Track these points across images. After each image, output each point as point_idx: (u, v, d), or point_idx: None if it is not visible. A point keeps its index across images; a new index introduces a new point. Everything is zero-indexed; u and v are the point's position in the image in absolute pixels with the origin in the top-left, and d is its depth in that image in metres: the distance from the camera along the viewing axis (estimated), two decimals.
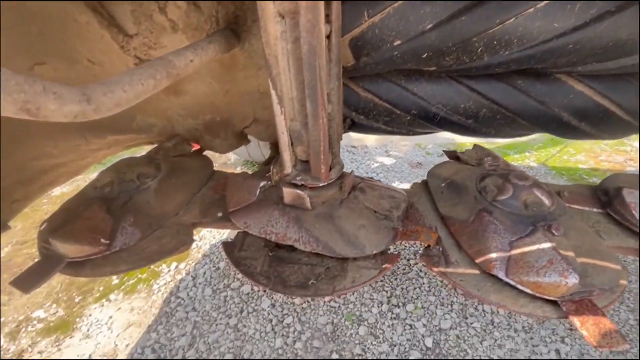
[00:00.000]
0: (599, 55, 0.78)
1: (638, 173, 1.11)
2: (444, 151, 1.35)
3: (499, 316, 1.53)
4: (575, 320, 0.75)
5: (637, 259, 0.95)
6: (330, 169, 0.97)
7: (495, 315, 1.54)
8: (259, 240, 1.05)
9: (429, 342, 1.43)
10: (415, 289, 1.67)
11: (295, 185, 0.94)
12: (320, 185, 0.93)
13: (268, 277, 0.93)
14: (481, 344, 1.42)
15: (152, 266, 1.89)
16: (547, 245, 0.81)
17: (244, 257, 1.00)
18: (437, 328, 1.49)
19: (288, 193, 0.94)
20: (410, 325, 1.50)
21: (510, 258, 0.83)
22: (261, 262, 0.97)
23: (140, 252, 0.99)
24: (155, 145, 1.35)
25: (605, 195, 1.07)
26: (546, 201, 0.92)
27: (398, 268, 1.80)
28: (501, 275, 0.83)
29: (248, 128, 1.33)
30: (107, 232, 0.93)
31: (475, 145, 1.28)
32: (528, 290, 0.81)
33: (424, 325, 1.50)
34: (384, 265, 0.94)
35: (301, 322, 1.53)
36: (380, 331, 1.48)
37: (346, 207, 0.97)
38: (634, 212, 0.95)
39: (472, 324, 1.50)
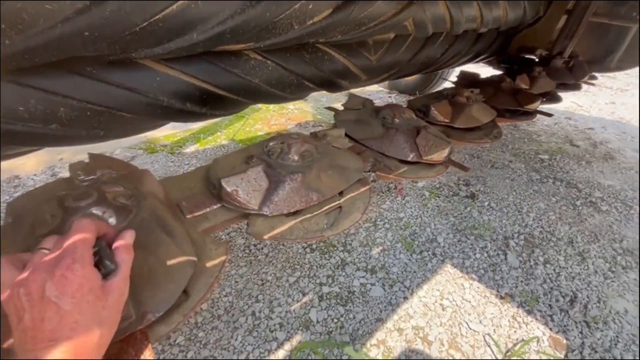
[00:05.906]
0: (163, 36, 0.73)
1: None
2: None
3: (202, 314, 1.56)
4: None
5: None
6: None
7: (199, 315, 1.55)
8: None
9: None
10: None
11: None
12: None
13: None
14: (186, 355, 1.39)
15: None
16: None
17: None
18: None
19: None
20: None
21: None
22: None
23: None
24: None
25: (214, 187, 1.15)
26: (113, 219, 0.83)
27: None
28: None
29: None
30: None
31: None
32: None
33: None
34: None
35: None
36: None
37: None
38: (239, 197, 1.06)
39: (176, 340, 1.44)
